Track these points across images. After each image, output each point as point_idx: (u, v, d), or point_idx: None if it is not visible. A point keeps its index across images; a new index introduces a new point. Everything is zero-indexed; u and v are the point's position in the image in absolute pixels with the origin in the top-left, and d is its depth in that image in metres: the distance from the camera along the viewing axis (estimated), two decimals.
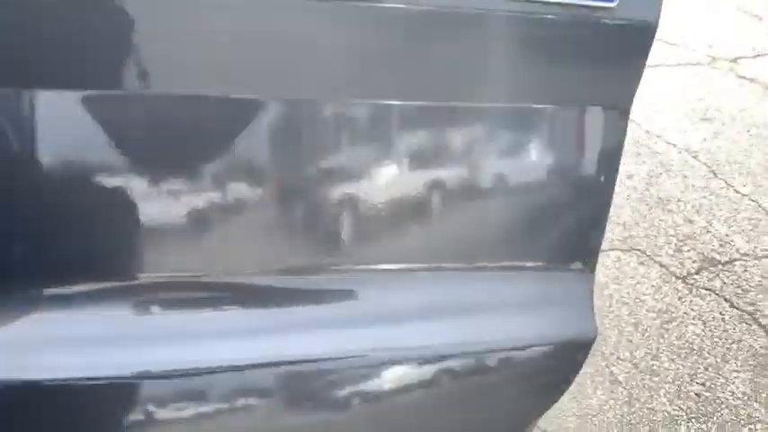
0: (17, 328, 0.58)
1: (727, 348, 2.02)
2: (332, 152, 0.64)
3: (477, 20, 0.60)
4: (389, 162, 0.65)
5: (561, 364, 0.73)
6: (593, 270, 0.74)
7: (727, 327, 2.10)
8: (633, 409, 1.82)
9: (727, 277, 2.30)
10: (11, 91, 0.53)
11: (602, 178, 0.71)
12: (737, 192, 2.77)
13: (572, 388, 1.84)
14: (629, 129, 0.76)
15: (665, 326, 2.09)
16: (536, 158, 0.70)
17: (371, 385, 0.65)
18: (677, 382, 1.90)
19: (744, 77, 3.41)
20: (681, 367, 1.95)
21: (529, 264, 0.71)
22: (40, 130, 0.55)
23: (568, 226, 0.71)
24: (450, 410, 0.69)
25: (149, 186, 0.59)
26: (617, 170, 0.73)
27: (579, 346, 0.73)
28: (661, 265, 2.32)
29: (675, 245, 2.43)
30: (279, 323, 0.64)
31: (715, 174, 2.84)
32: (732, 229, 2.55)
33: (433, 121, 0.65)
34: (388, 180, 0.65)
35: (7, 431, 0.60)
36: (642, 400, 1.84)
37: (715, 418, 1.81)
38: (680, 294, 2.21)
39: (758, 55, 3.60)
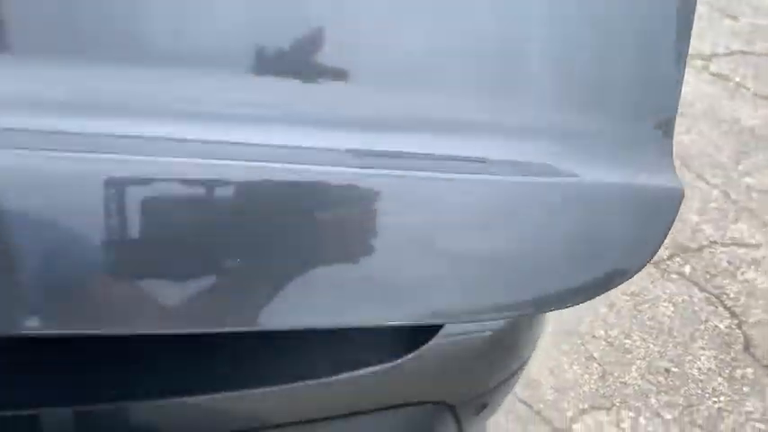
0: None
1: (695, 328, 2.16)
2: None
3: None
4: None
5: (646, 216, 0.68)
6: (671, 123, 0.68)
7: (696, 308, 2.24)
8: (607, 383, 1.94)
9: (697, 263, 2.44)
10: None
11: (678, 31, 0.69)
12: (708, 183, 2.91)
13: (549, 363, 1.98)
14: None
15: (638, 307, 2.22)
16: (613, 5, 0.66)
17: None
18: (648, 359, 2.03)
19: (716, 75, 3.56)
20: (652, 345, 2.08)
21: (606, 110, 0.66)
22: None
23: (645, 77, 0.68)
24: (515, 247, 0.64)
25: None
26: (691, 27, 0.71)
27: (664, 199, 0.68)
28: None
29: None
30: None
31: (687, 166, 2.98)
32: (703, 218, 2.69)
33: None
34: None
35: None
36: (615, 374, 1.97)
37: (682, 391, 1.94)
38: (652, 278, 2.34)
39: (731, 53, 3.74)
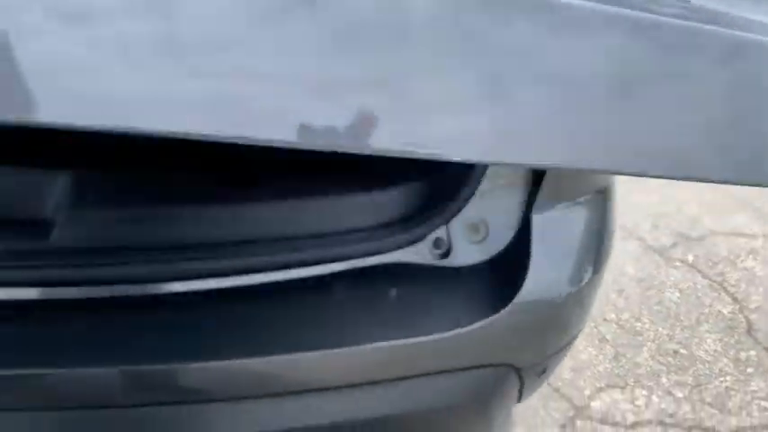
0: None
1: (700, 312, 2.25)
2: None
3: None
4: None
5: None
6: None
7: (700, 294, 2.34)
8: (620, 364, 2.03)
9: (699, 251, 2.54)
10: None
11: None
12: None
13: None
14: None
15: (646, 292, 2.31)
16: None
17: None
18: (657, 341, 2.12)
19: None
20: (660, 328, 2.17)
21: None
22: None
23: None
24: None
25: None
26: None
27: None
28: (640, 240, 2.55)
29: (652, 222, 2.66)
30: None
31: None
32: (701, 209, 2.80)
33: None
34: None
35: None
36: (628, 356, 2.06)
37: (691, 371, 2.03)
38: (657, 265, 2.44)
39: None
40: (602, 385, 1.95)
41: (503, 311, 0.95)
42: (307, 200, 0.97)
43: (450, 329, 0.94)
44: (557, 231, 1.01)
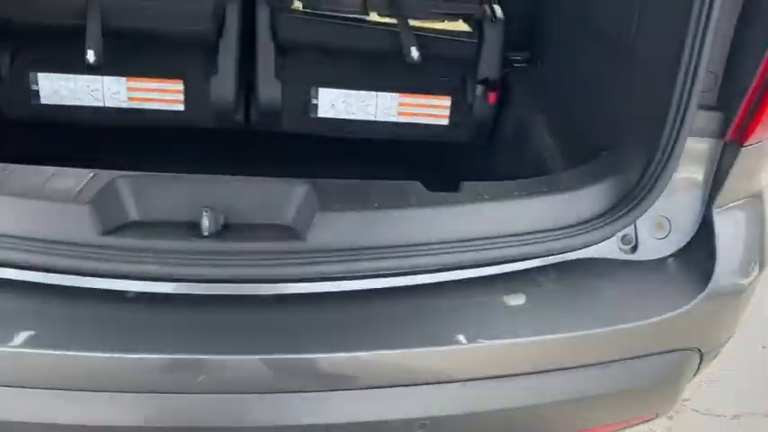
0: None
1: None
2: None
3: None
4: None
5: None
6: None
7: None
8: None
9: None
10: None
11: None
12: None
13: None
14: None
15: None
16: None
17: None
18: None
19: None
20: None
21: None
22: None
23: None
24: None
25: None
26: None
27: None
28: None
29: None
30: None
31: None
32: None
33: None
34: None
35: None
36: None
37: None
38: None
39: None
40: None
41: (696, 300, 1.05)
42: (520, 203, 1.07)
43: (655, 316, 1.04)
44: (732, 229, 1.11)
